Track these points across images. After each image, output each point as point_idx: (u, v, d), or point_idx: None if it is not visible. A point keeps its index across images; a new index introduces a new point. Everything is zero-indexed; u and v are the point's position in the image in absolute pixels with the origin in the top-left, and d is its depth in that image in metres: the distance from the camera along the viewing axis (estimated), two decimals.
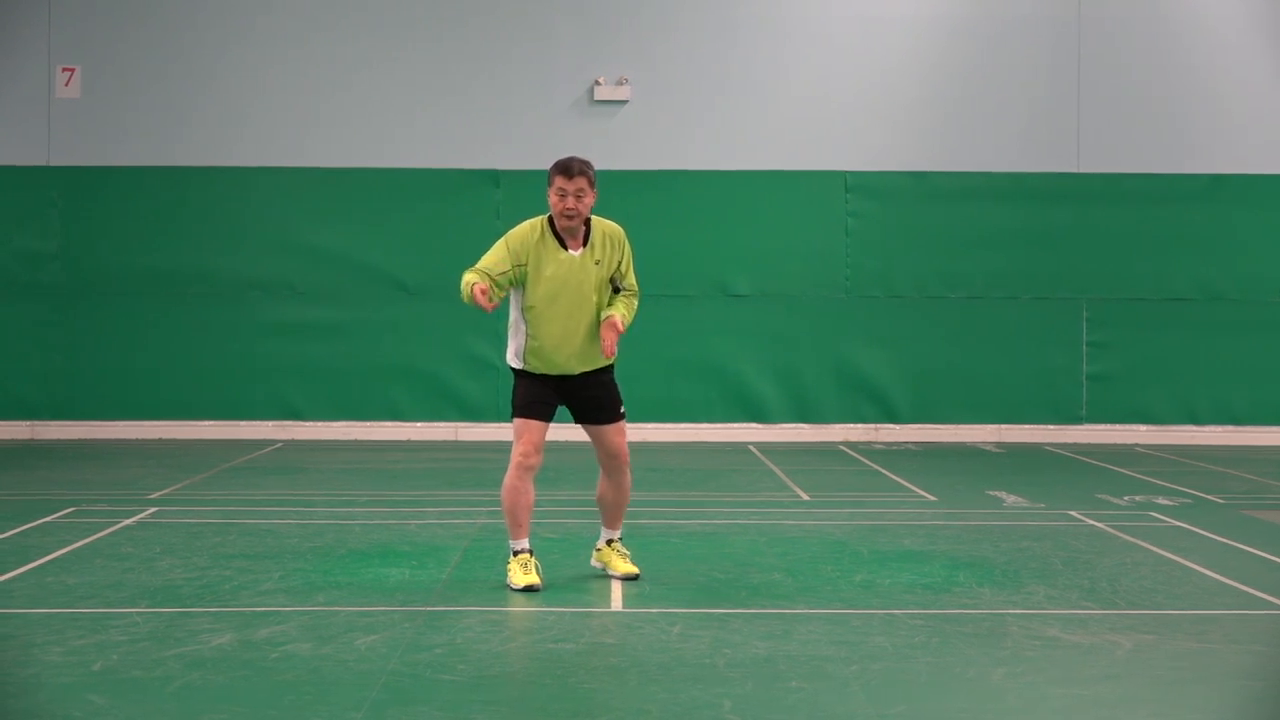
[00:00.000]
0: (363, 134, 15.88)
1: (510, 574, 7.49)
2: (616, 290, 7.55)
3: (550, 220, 7.53)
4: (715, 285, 15.76)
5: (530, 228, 7.53)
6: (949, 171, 15.99)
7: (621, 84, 15.88)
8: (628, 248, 7.62)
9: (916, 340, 15.94)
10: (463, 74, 15.94)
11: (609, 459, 7.62)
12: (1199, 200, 15.99)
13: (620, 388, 7.70)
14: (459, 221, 15.75)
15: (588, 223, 7.55)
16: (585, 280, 7.42)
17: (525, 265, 7.42)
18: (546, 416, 7.50)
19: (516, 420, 7.48)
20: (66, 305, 15.69)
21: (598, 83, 15.87)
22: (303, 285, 15.79)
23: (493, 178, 15.80)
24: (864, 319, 15.94)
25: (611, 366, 7.64)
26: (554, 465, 10.70)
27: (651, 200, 15.38)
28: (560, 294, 7.40)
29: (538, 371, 7.49)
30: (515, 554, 7.51)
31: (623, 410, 7.64)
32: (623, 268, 7.56)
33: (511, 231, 7.56)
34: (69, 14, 15.72)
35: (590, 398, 7.54)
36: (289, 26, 15.90)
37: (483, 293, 7.19)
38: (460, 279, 7.44)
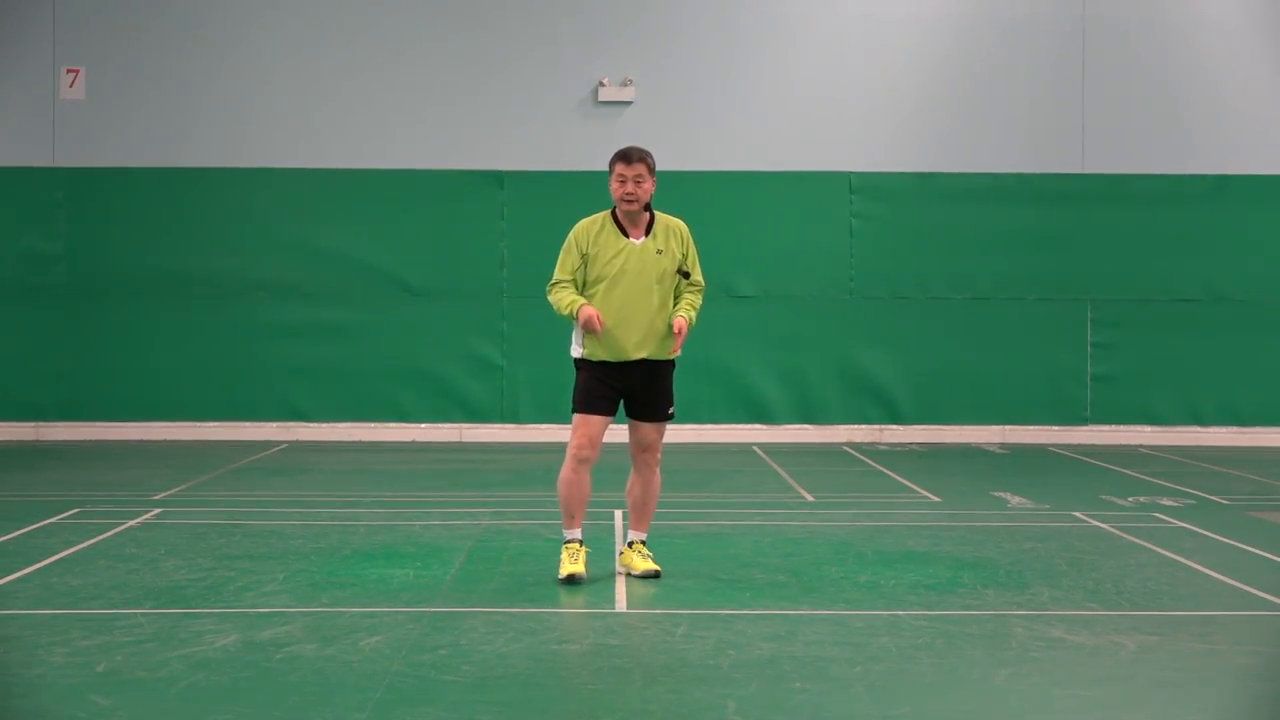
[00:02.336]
0: (367, 135, 15.89)
1: (560, 565, 7.71)
2: (686, 276, 7.70)
3: (613, 212, 7.70)
4: (719, 286, 15.73)
5: (592, 220, 7.74)
6: (953, 172, 15.99)
7: (626, 85, 15.88)
8: (692, 242, 7.80)
9: (921, 341, 15.94)
10: (467, 75, 15.94)
11: (640, 452, 7.75)
12: (1204, 201, 15.97)
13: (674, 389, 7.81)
14: (464, 223, 15.77)
15: (651, 214, 7.70)
16: (646, 268, 7.58)
17: (587, 253, 7.62)
18: (605, 411, 7.62)
19: (575, 414, 7.62)
20: (71, 306, 15.70)
21: (602, 84, 15.88)
22: (307, 286, 15.80)
23: (497, 179, 15.80)
24: (868, 320, 15.93)
25: (671, 364, 7.77)
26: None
27: (655, 201, 15.32)
28: (620, 279, 7.56)
29: (597, 359, 7.59)
30: (566, 544, 7.72)
31: (671, 411, 7.76)
32: (689, 263, 7.73)
33: (575, 227, 7.73)
34: (73, 16, 15.74)
35: (646, 391, 7.66)
36: (294, 28, 15.92)
37: (596, 319, 7.43)
38: (550, 295, 7.65)
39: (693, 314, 7.68)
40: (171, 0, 15.88)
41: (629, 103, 15.90)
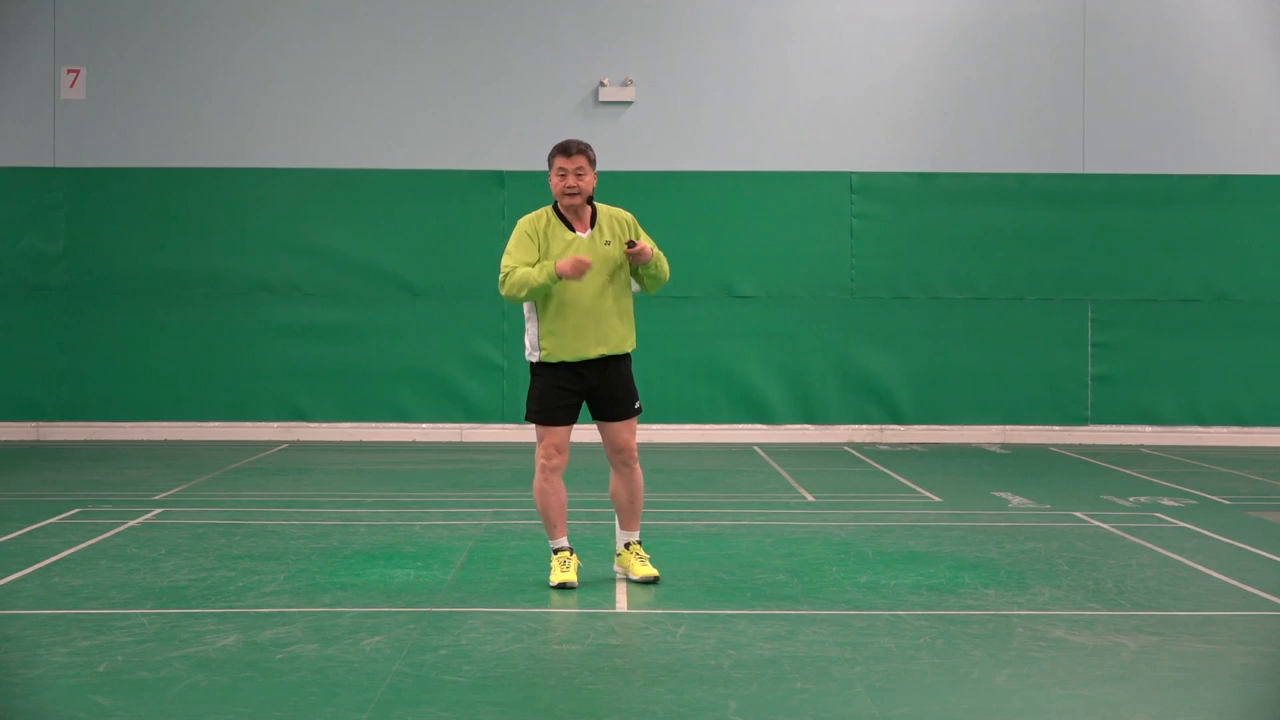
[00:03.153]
0: (368, 135, 15.89)
1: (551, 573, 7.62)
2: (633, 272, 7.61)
3: (555, 207, 7.59)
4: (720, 286, 15.75)
5: (536, 215, 7.62)
6: (954, 172, 15.98)
7: (626, 85, 15.88)
8: (640, 230, 7.67)
9: (922, 341, 15.93)
10: (468, 76, 15.94)
11: (615, 454, 7.63)
12: (1205, 201, 15.97)
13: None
14: (464, 223, 15.78)
15: (593, 207, 7.60)
16: (596, 261, 7.43)
17: (540, 248, 7.49)
18: (566, 420, 7.50)
19: (536, 426, 7.53)
20: (72, 306, 15.71)
21: (603, 84, 15.87)
22: (308, 286, 15.80)
23: (498, 179, 15.80)
24: (869, 320, 15.93)
25: (629, 357, 7.64)
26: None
27: (656, 201, 15.34)
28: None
29: (553, 360, 7.46)
30: (555, 553, 7.62)
31: (638, 406, 7.64)
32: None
33: (520, 221, 7.60)
34: (74, 15, 15.74)
35: (607, 389, 7.52)
36: (295, 28, 15.92)
37: (584, 260, 7.23)
38: (507, 285, 7.37)
39: (660, 254, 7.55)
40: (172, 1, 15.88)
41: (630, 103, 15.90)
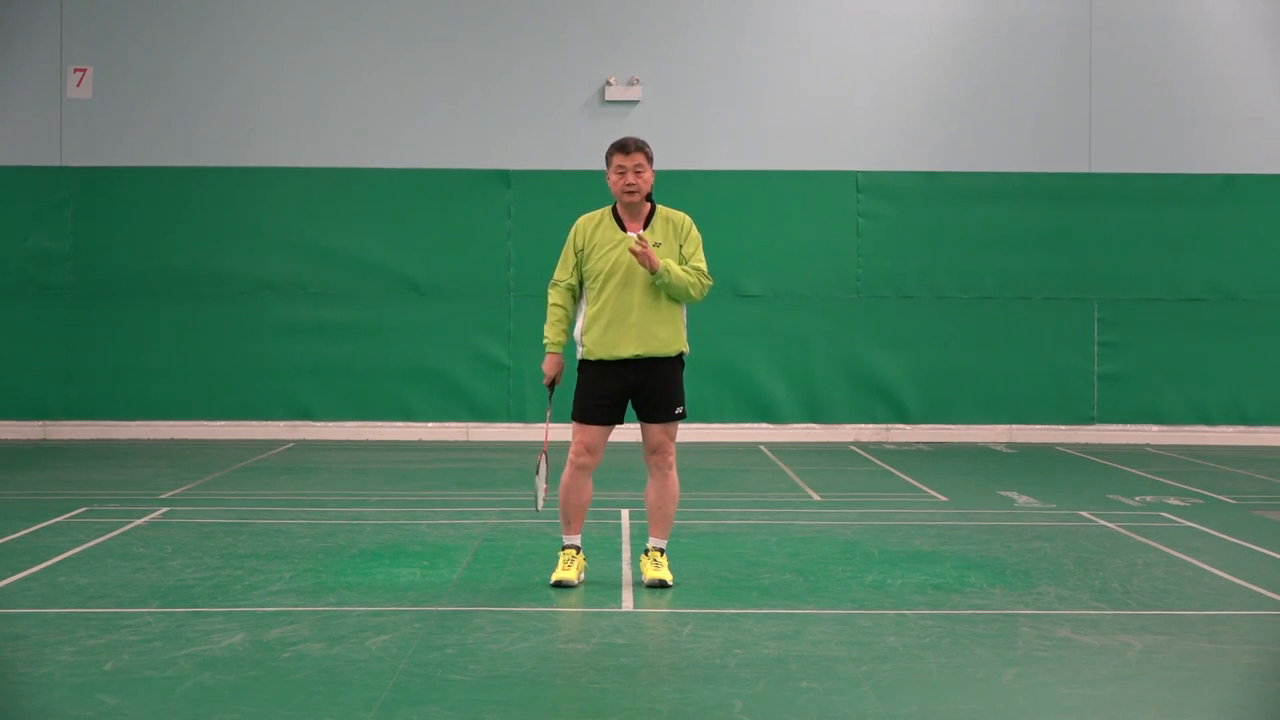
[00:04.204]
0: (374, 134, 15.90)
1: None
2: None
3: (614, 207, 7.59)
4: (727, 285, 15.73)
5: (592, 216, 7.62)
6: (960, 171, 15.97)
7: (633, 84, 15.88)
8: (694, 232, 7.59)
9: (928, 340, 15.92)
10: (474, 75, 15.94)
11: (650, 454, 7.60)
12: (1211, 200, 15.95)
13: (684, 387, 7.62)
14: (470, 222, 15.78)
15: (652, 206, 7.58)
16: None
17: (584, 250, 7.51)
18: (602, 419, 7.48)
19: (573, 421, 7.54)
20: (78, 305, 15.73)
21: (609, 83, 15.88)
22: (314, 285, 15.81)
23: (504, 178, 15.80)
24: (875, 319, 15.92)
25: (679, 359, 7.56)
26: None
27: (662, 200, 15.28)
28: (614, 273, 7.41)
29: (595, 357, 7.46)
30: (563, 548, 7.64)
31: (679, 410, 7.56)
32: (686, 250, 7.52)
33: (576, 222, 7.61)
34: (81, 15, 15.75)
35: (649, 390, 7.48)
36: (301, 26, 15.93)
37: (550, 376, 7.61)
38: (549, 299, 7.62)
39: (677, 272, 7.34)
40: None
41: (636, 102, 15.90)
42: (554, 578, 7.55)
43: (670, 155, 15.79)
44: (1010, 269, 15.96)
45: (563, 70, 15.95)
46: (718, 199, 15.70)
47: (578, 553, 7.63)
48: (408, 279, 15.84)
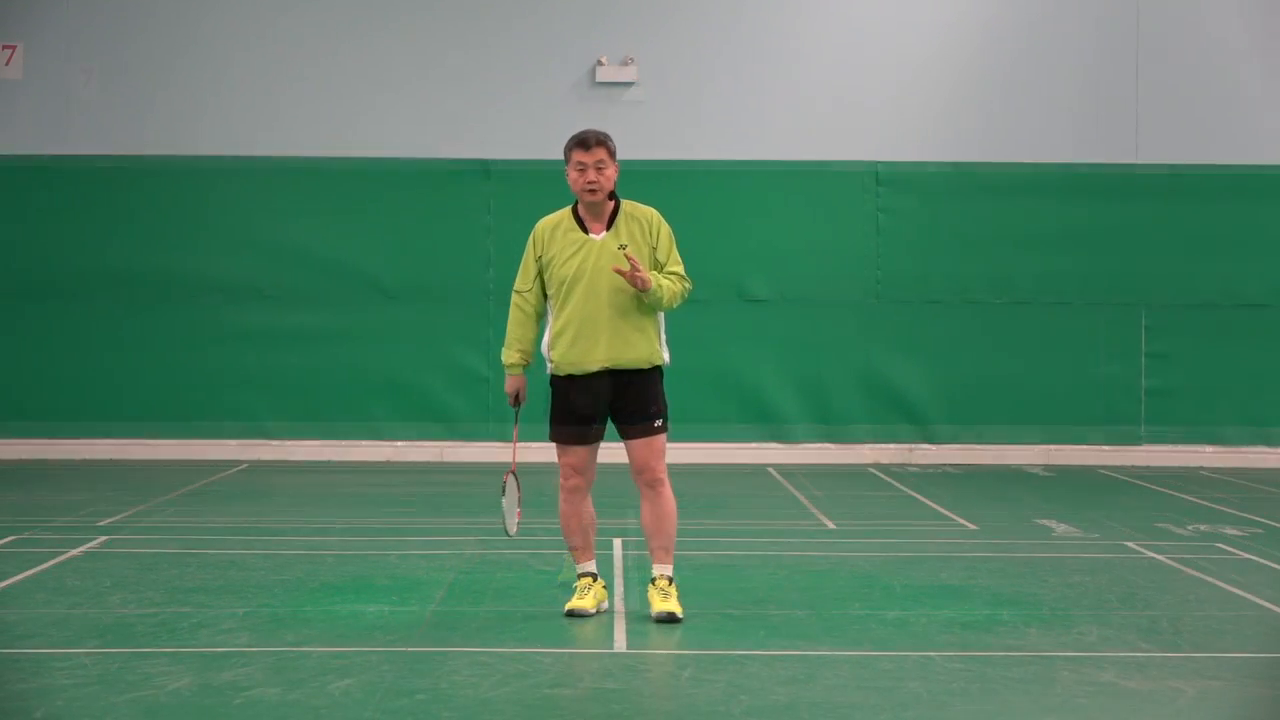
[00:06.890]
0: (336, 120, 15.91)
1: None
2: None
3: (575, 207, 7.63)
4: (731, 288, 15.76)
5: (551, 218, 7.68)
6: (992, 163, 16.01)
7: (626, 64, 15.91)
8: (664, 229, 7.64)
9: (955, 350, 15.94)
10: (450, 53, 15.97)
11: (636, 474, 7.66)
12: (1273, 196, 15.98)
13: (666, 398, 7.69)
14: (445, 217, 15.79)
15: (616, 204, 7.59)
16: (607, 266, 7.43)
17: (544, 256, 7.56)
18: (580, 439, 7.57)
19: (553, 443, 7.65)
20: (8, 310, 15.72)
21: (600, 63, 15.91)
22: (270, 288, 15.82)
23: (483, 168, 15.82)
24: (897, 326, 15.94)
25: (656, 371, 7.62)
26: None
27: (660, 194, 15.16)
28: (579, 280, 7.46)
29: (564, 373, 7.54)
30: (579, 576, 7.78)
31: (658, 422, 7.61)
32: (660, 253, 7.58)
33: (535, 227, 7.67)
34: None
35: (623, 403, 7.56)
36: (256, 1, 15.94)
37: (513, 396, 7.83)
38: (510, 309, 7.74)
39: (666, 285, 7.45)
40: None
41: (630, 83, 15.93)
42: (567, 607, 7.68)
43: (668, 143, 15.86)
44: (1047, 271, 15.98)
45: (549, 49, 15.98)
46: (722, 192, 15.73)
47: (595, 580, 7.75)
48: (374, 281, 15.85)
